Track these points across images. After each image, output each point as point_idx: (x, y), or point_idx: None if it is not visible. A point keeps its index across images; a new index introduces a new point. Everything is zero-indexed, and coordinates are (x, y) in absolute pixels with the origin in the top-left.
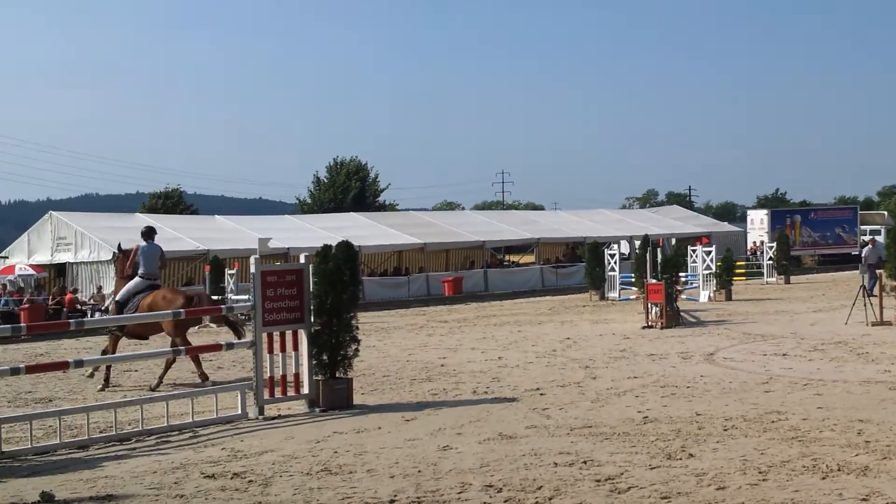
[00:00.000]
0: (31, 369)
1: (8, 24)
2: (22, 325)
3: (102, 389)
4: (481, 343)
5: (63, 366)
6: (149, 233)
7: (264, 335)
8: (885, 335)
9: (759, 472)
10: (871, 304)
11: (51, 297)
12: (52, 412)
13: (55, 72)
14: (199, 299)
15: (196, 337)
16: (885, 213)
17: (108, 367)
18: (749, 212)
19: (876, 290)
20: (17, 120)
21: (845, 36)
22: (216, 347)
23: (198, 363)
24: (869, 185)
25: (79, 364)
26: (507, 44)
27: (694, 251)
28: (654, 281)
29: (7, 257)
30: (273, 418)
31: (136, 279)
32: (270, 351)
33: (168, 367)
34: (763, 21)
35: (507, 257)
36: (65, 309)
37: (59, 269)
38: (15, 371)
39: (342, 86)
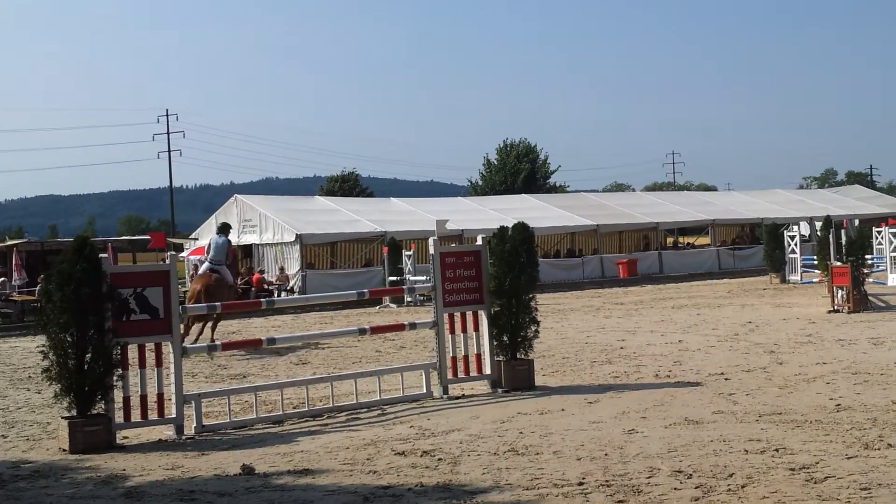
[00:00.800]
0: (226, 346)
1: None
2: (216, 303)
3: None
4: (660, 326)
5: (257, 343)
6: (223, 228)
7: (445, 315)
8: None
9: None
10: None
11: (239, 278)
12: (248, 388)
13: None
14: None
15: (378, 317)
16: None
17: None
18: None
19: None
20: (202, 109)
21: None
22: (399, 327)
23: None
24: None
25: (271, 342)
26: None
27: (879, 232)
28: (839, 263)
29: (197, 239)
30: (457, 398)
31: (205, 264)
32: (452, 332)
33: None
34: None
35: (681, 239)
36: (253, 288)
37: (246, 251)
38: (212, 348)
39: (511, 66)
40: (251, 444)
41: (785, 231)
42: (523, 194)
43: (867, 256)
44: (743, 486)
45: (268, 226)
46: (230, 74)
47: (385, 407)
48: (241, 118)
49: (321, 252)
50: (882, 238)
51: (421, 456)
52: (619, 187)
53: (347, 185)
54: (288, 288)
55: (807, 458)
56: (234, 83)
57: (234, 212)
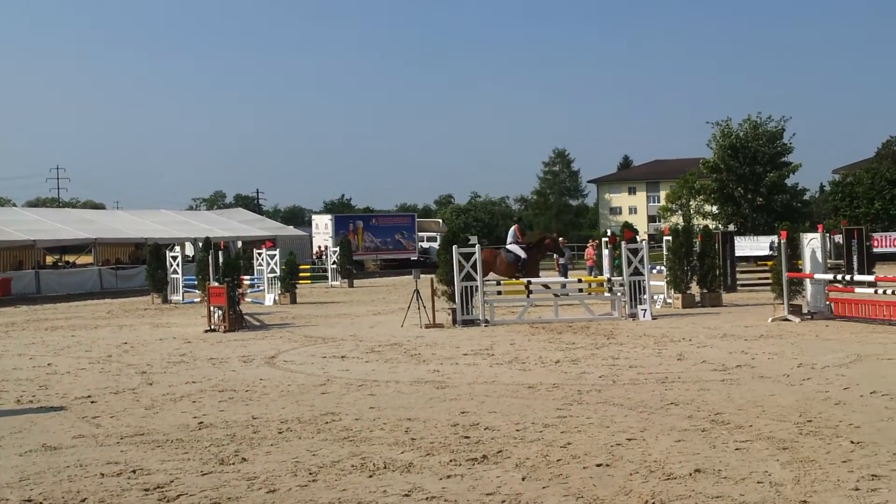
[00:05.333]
0: None
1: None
2: None
3: None
4: (30, 349)
5: None
6: None
7: None
8: (436, 337)
9: (310, 473)
10: (425, 307)
11: None
12: None
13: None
14: None
15: None
16: (441, 220)
17: None
18: (314, 216)
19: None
20: None
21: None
22: None
23: None
24: (427, 194)
25: None
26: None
27: (259, 254)
28: (216, 284)
29: None
30: None
31: None
32: None
33: None
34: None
35: (64, 258)
36: None
37: None
38: None
39: None
40: None
41: (168, 251)
42: None
43: (246, 277)
44: None
45: None
46: None
47: None
48: None
49: None
50: (262, 259)
51: None
52: None
53: None
54: None
55: (163, 478)
56: None
57: None
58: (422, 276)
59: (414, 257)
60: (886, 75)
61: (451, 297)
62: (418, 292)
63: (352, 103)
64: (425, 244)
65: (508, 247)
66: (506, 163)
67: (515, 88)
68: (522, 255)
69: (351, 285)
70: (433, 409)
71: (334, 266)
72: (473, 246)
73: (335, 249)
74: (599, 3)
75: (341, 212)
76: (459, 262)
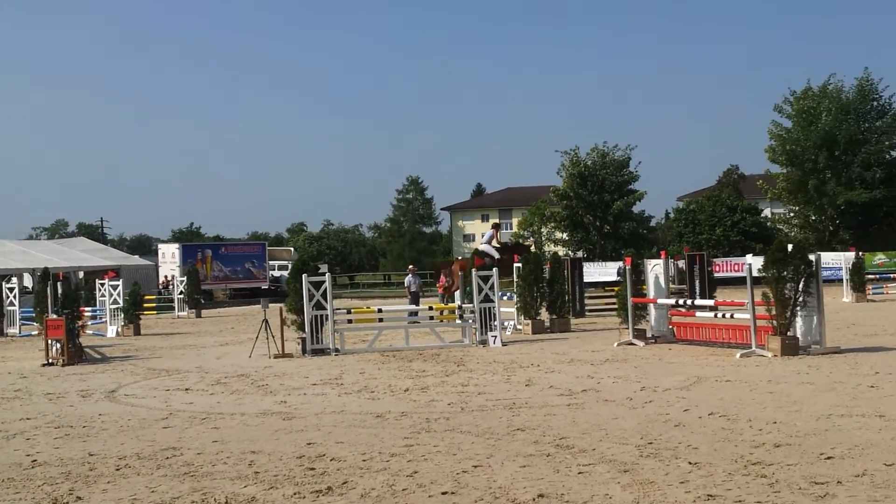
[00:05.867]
0: None
1: None
2: None
3: None
4: None
5: None
6: None
7: None
8: (285, 367)
9: None
10: (274, 337)
11: None
12: None
13: None
14: None
15: None
16: (293, 248)
17: None
18: (160, 245)
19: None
20: None
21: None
22: None
23: None
24: (280, 222)
25: None
26: None
27: (102, 285)
28: (54, 316)
29: None
30: None
31: None
32: None
33: None
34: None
35: None
36: None
37: None
38: None
39: None
40: None
41: (4, 283)
42: None
43: (87, 309)
44: None
45: None
46: None
47: None
48: None
49: None
50: (104, 290)
51: None
52: None
53: None
54: None
55: None
56: None
57: None
58: (270, 305)
59: (265, 286)
60: (728, 106)
61: (301, 327)
62: (267, 322)
63: (201, 130)
64: (276, 273)
65: (481, 246)
66: (359, 190)
67: (368, 118)
68: (496, 255)
69: (199, 315)
70: (279, 441)
71: (181, 296)
72: (324, 274)
73: (182, 279)
74: (450, 33)
75: (190, 240)
76: (309, 290)
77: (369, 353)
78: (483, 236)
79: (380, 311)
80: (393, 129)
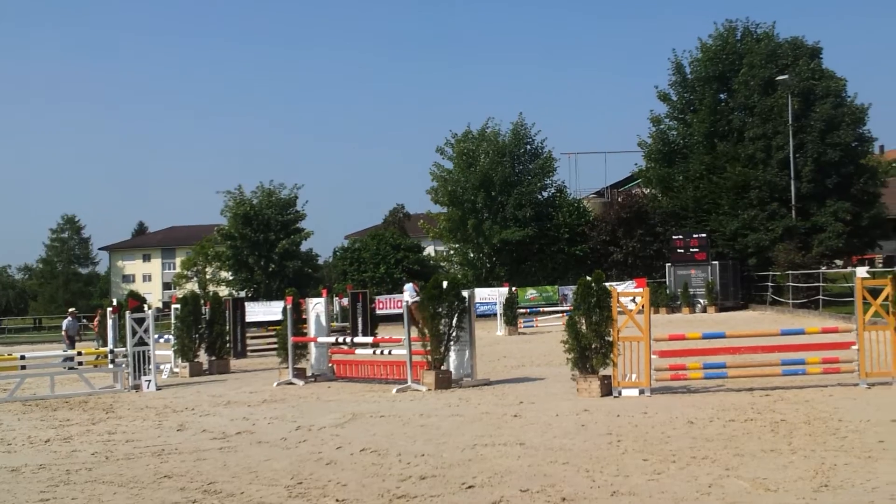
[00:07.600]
0: None
1: None
2: None
3: None
4: None
5: None
6: None
7: None
8: None
9: None
10: None
11: None
12: None
13: None
14: None
15: None
16: None
17: None
18: None
19: None
20: None
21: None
22: None
23: None
24: None
25: None
26: None
27: None
28: None
29: None
30: None
31: None
32: None
33: None
34: None
35: None
36: None
37: None
38: None
39: None
40: None
41: None
42: None
43: None
44: None
45: None
46: None
47: None
48: None
49: None
50: None
51: None
52: None
53: None
54: None
55: None
56: None
57: None
58: None
59: None
60: (395, 146)
61: None
62: None
63: None
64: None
65: (407, 296)
66: (7, 230)
67: (9, 151)
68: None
69: None
70: None
71: None
72: None
73: None
74: (164, 84)
75: None
76: None
77: (9, 403)
78: (404, 293)
79: (23, 357)
80: (44, 166)
